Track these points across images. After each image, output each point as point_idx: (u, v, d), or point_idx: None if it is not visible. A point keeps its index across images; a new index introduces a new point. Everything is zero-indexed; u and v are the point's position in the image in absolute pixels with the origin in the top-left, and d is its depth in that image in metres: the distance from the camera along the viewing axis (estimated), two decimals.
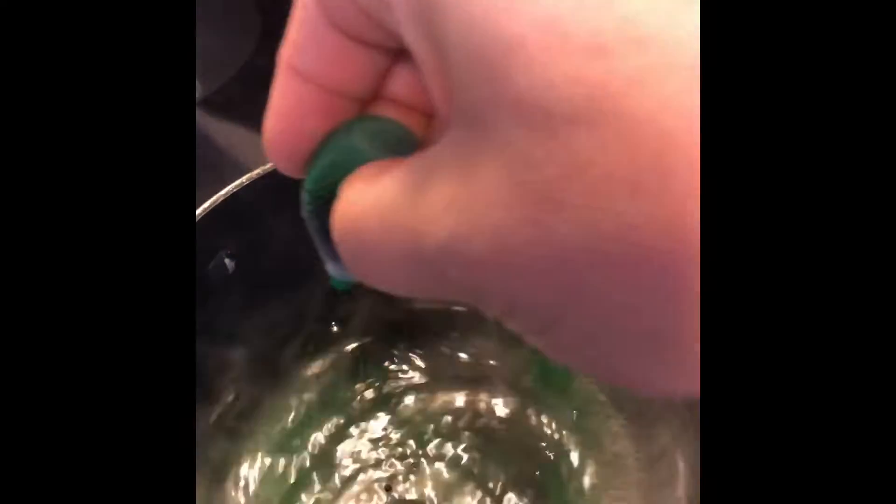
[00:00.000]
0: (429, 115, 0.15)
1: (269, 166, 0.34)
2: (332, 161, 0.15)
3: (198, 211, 0.33)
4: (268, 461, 0.37)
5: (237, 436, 0.37)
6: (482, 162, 0.11)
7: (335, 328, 0.40)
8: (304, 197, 0.15)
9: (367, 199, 0.13)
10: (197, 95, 0.53)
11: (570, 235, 0.11)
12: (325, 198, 0.15)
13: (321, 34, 0.14)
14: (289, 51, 0.15)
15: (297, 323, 0.39)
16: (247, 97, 0.54)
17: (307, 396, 0.39)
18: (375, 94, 0.15)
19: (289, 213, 0.36)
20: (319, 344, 0.40)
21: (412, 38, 0.13)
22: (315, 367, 0.40)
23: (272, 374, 0.38)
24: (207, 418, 0.36)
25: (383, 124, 0.15)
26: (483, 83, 0.11)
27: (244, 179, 0.34)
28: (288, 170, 0.16)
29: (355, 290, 0.38)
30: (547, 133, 0.11)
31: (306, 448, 0.38)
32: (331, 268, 0.16)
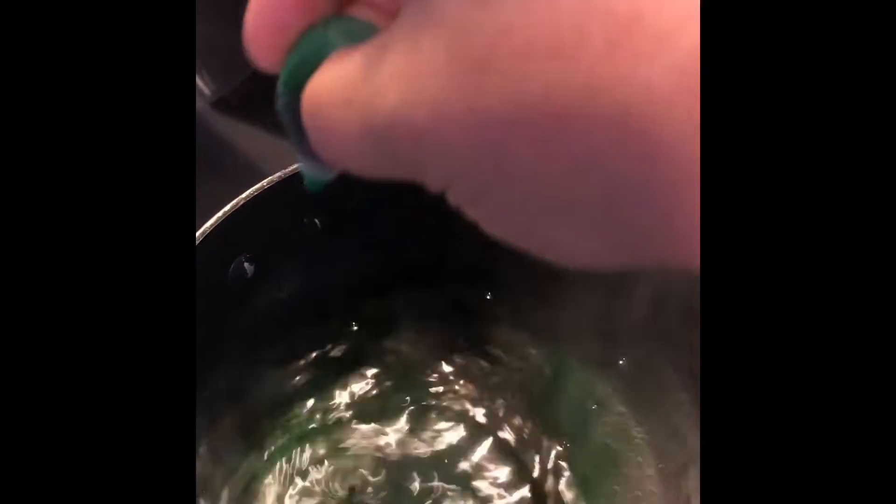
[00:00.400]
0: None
1: (289, 170, 0.34)
2: (307, 54, 0.15)
3: (217, 215, 0.33)
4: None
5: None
6: (425, 35, 0.12)
7: (355, 327, 0.40)
8: (280, 90, 0.16)
9: (331, 80, 0.14)
10: (212, 95, 0.53)
11: (497, 100, 0.12)
12: (299, 91, 0.15)
13: None
14: None
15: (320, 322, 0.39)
16: (263, 97, 0.54)
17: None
18: None
19: (309, 216, 0.36)
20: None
21: None
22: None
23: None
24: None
25: (359, 24, 0.16)
26: None
27: (265, 183, 0.34)
28: (266, 63, 0.16)
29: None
30: (479, 2, 0.12)
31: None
32: (303, 164, 0.17)
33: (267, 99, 0.55)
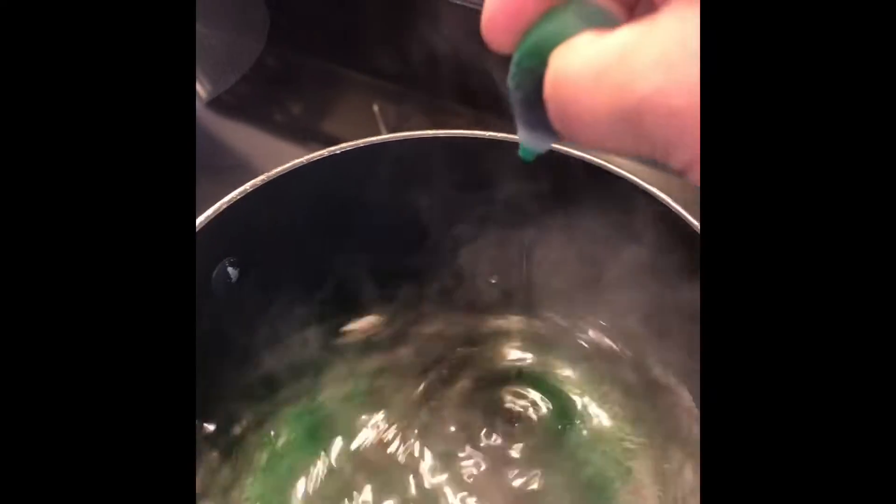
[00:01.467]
0: (629, 5, 0.18)
1: (272, 173, 0.34)
2: (547, 35, 0.17)
3: (200, 218, 0.32)
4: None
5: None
6: (695, 27, 0.14)
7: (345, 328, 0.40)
8: (512, 69, 0.18)
9: (582, 57, 0.16)
10: (206, 96, 0.53)
11: None
12: (533, 68, 0.17)
13: None
14: None
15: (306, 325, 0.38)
16: (256, 97, 0.53)
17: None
18: None
19: (293, 220, 0.35)
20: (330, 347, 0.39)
21: None
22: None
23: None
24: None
25: (594, 7, 0.17)
26: None
27: (248, 186, 0.33)
28: (501, 45, 0.18)
29: None
30: None
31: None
32: (523, 136, 0.19)
33: (259, 99, 0.55)
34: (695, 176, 0.15)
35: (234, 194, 0.33)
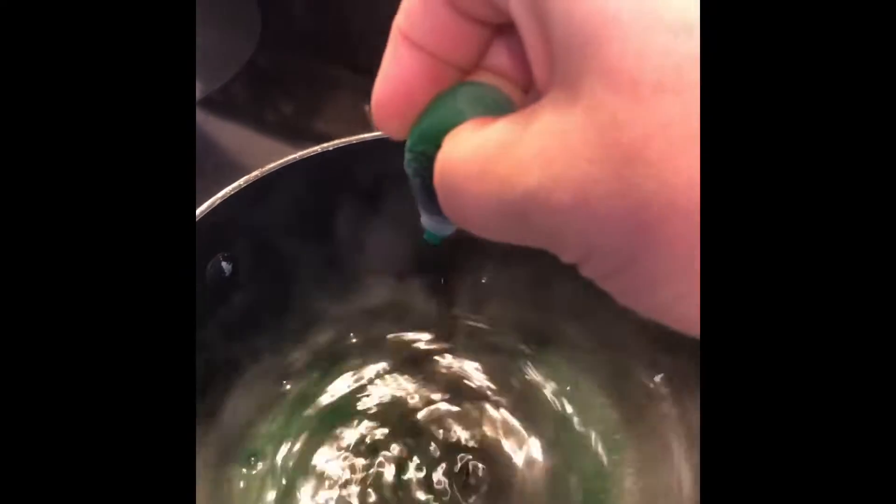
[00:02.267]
0: (522, 85, 0.17)
1: (266, 169, 0.34)
2: (437, 121, 0.16)
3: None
4: None
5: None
6: (573, 121, 0.13)
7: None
8: (407, 155, 0.17)
9: (466, 149, 0.15)
10: (198, 95, 0.53)
11: (648, 189, 0.12)
12: (427, 154, 0.16)
13: (435, 7, 0.16)
14: (403, 21, 0.16)
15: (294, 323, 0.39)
16: (248, 96, 0.54)
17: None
18: (476, 65, 0.17)
19: (286, 215, 0.36)
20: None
21: (518, 12, 0.14)
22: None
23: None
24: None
25: (484, 90, 0.16)
26: (580, 53, 0.13)
27: (241, 182, 0.34)
28: (392, 131, 0.17)
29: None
30: (635, 98, 0.12)
31: None
32: (425, 220, 0.18)
33: (251, 98, 0.55)
34: (585, 272, 0.14)
35: (228, 190, 0.33)
